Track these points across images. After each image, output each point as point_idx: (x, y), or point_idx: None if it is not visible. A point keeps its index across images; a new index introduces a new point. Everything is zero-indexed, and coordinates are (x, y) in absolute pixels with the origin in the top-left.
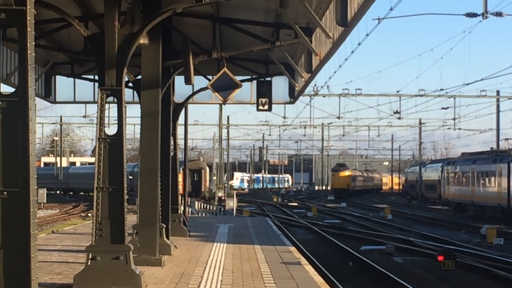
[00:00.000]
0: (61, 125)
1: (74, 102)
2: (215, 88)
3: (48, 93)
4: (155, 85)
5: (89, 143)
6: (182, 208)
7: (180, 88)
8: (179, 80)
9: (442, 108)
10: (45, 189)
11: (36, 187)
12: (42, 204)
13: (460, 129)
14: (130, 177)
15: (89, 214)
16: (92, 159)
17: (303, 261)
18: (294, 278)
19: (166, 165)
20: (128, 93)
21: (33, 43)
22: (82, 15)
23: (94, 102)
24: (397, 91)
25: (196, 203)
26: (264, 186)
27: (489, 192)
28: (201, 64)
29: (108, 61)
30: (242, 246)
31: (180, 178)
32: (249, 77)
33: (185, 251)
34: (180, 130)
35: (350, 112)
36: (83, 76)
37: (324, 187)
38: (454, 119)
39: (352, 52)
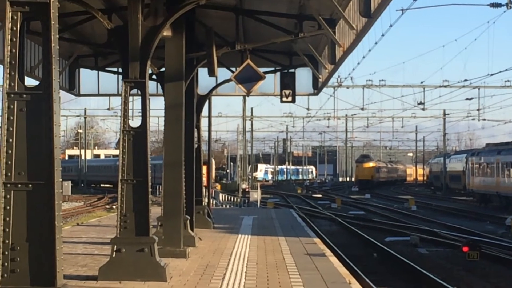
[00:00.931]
0: (85, 117)
1: (98, 94)
2: (238, 80)
3: (72, 86)
4: (178, 77)
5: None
6: (206, 200)
7: (204, 80)
8: (202, 72)
9: (466, 99)
10: (69, 182)
11: (60, 179)
12: (66, 196)
13: (484, 119)
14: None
15: (114, 206)
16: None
17: (328, 252)
18: (318, 269)
19: (190, 157)
20: (151, 86)
21: (57, 36)
22: (106, 7)
23: (118, 94)
24: (421, 82)
25: (221, 195)
26: (288, 178)
27: None
28: (225, 56)
29: (132, 54)
30: (267, 238)
31: (204, 170)
32: (272, 68)
33: (210, 243)
34: (204, 122)
35: (374, 103)
36: (106, 68)
37: (348, 179)
38: (478, 109)
39: (376, 43)
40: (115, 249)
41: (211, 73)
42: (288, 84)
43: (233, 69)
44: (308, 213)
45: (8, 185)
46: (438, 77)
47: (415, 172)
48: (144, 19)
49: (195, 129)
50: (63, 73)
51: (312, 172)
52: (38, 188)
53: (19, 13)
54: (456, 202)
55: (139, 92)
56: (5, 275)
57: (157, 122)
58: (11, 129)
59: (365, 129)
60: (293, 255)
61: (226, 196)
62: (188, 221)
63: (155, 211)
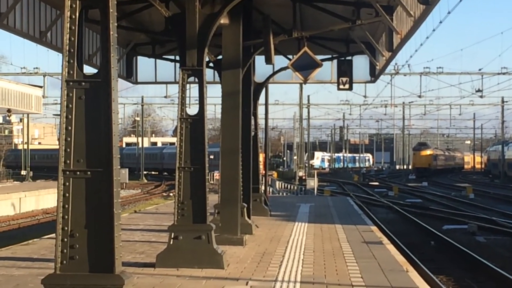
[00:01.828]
0: (142, 105)
1: (155, 82)
2: (295, 68)
3: (129, 74)
4: (235, 65)
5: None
6: (263, 187)
7: (261, 68)
8: (259, 60)
9: None
10: (127, 169)
11: (119, 167)
12: (124, 184)
13: None
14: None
15: (171, 194)
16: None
17: (385, 240)
18: (375, 257)
19: (247, 145)
20: (208, 73)
21: (115, 24)
22: None
23: (175, 82)
24: (479, 69)
25: (277, 182)
26: (345, 166)
27: None
28: (281, 44)
29: (189, 42)
30: (323, 226)
31: (261, 158)
32: (329, 56)
33: (266, 231)
34: (260, 110)
35: (431, 91)
36: (164, 56)
37: (405, 166)
38: None
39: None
40: (172, 236)
41: (268, 60)
42: (345, 71)
43: (290, 56)
44: (365, 201)
45: (67, 172)
46: (496, 64)
47: (472, 160)
48: (202, 7)
49: (252, 117)
50: (120, 61)
51: (369, 160)
52: (97, 176)
53: (77, 1)
54: None
55: (197, 80)
56: (64, 262)
57: (214, 109)
58: (70, 117)
59: (422, 116)
60: (350, 243)
61: (283, 184)
62: (245, 209)
63: (212, 199)
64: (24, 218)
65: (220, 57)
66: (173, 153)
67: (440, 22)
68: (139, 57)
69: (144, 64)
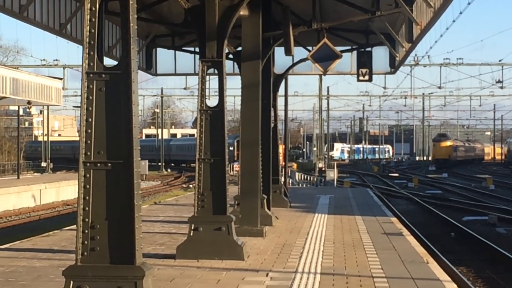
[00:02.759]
0: (162, 97)
1: (175, 74)
2: (315, 59)
3: (149, 66)
4: (255, 57)
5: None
6: (282, 179)
7: (280, 59)
8: (279, 51)
9: None
10: (147, 161)
11: (139, 158)
12: (144, 175)
13: None
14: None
15: (190, 186)
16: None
17: (405, 231)
18: (396, 248)
19: (267, 136)
20: (228, 65)
21: (135, 16)
22: None
23: (194, 74)
24: (500, 60)
25: (297, 174)
26: (365, 157)
27: None
28: (301, 35)
29: (209, 33)
30: (343, 217)
31: (281, 149)
32: (349, 47)
33: (286, 222)
34: (280, 101)
35: (451, 82)
36: (183, 48)
37: (425, 158)
38: None
39: (454, 21)
40: (192, 227)
41: (288, 52)
42: (364, 62)
43: (310, 48)
44: (385, 192)
45: (88, 164)
46: None
47: (493, 151)
48: None
49: (272, 108)
50: (140, 53)
51: (388, 151)
52: (117, 167)
53: None
54: None
55: (216, 72)
56: (85, 253)
57: (233, 101)
58: (90, 108)
59: (442, 107)
60: (370, 234)
61: (303, 175)
62: (265, 200)
63: (232, 190)
64: (45, 210)
65: (239, 48)
66: (180, 144)
67: (460, 13)
68: (158, 49)
69: (164, 56)
